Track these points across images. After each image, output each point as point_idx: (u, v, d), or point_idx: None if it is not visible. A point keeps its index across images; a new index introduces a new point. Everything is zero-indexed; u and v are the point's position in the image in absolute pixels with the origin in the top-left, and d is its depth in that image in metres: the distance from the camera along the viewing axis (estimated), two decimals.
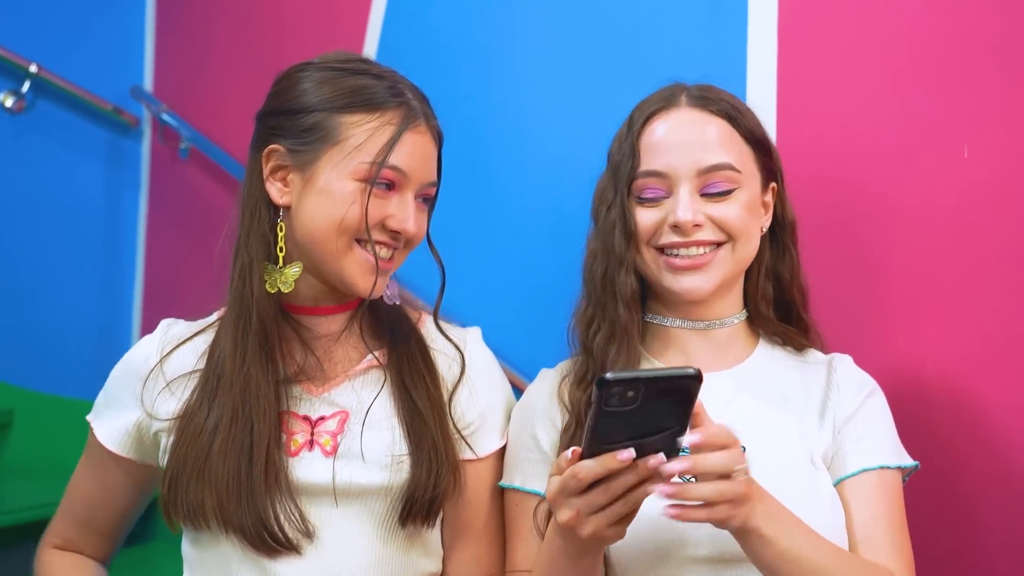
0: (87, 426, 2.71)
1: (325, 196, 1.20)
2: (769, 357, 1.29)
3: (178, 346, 1.30)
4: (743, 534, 1.01)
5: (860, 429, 1.19)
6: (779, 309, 1.30)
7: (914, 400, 1.32)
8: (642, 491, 0.94)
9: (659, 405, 0.90)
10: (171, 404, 1.26)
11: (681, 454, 0.95)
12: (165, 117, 2.53)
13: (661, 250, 1.24)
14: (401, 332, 1.31)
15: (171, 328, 1.34)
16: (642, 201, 1.24)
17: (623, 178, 1.25)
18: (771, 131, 1.34)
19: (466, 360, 1.32)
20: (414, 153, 1.21)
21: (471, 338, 1.36)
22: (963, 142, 1.32)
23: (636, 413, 0.89)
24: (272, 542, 1.17)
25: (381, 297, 1.28)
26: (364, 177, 1.19)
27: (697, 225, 1.20)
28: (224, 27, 2.48)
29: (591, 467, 0.92)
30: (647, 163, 1.24)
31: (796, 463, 1.18)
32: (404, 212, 1.21)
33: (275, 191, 1.23)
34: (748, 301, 1.30)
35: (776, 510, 1.03)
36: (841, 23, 1.45)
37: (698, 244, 1.22)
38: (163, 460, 1.26)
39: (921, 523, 1.20)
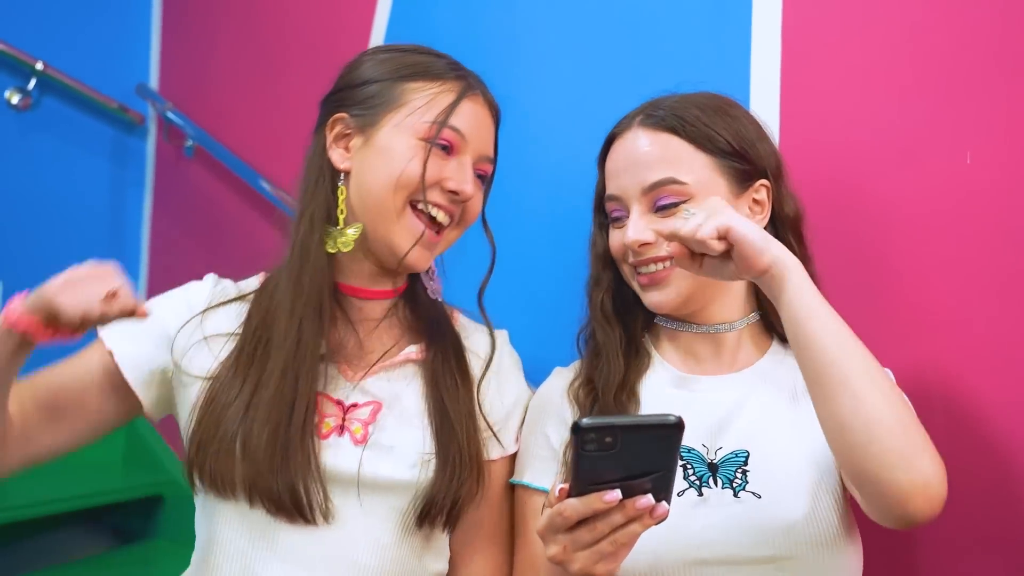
0: None
1: (385, 153, 1.22)
2: (780, 361, 1.30)
3: (224, 303, 1.29)
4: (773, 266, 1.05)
5: None
6: None
7: (914, 405, 1.32)
8: (631, 531, 0.94)
9: (642, 449, 0.91)
10: (205, 360, 1.24)
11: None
12: (170, 115, 2.53)
13: (632, 267, 1.29)
14: (440, 329, 1.33)
15: (219, 283, 1.34)
16: (613, 222, 1.31)
17: (597, 202, 1.35)
18: (774, 137, 1.34)
19: (496, 360, 1.34)
20: (473, 120, 1.25)
21: (501, 340, 1.38)
22: (966, 148, 1.31)
23: (619, 456, 0.90)
24: (295, 509, 1.16)
25: (426, 290, 1.31)
26: (425, 136, 1.22)
27: (646, 244, 1.25)
28: (230, 26, 2.48)
29: (576, 506, 0.93)
30: (608, 187, 1.31)
31: (809, 456, 1.18)
32: (462, 174, 1.23)
33: (337, 156, 1.26)
34: (762, 302, 1.31)
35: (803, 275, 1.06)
36: (845, 30, 1.45)
37: (656, 260, 1.26)
38: (182, 414, 1.24)
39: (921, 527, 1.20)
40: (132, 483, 2.49)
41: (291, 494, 1.15)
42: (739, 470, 1.17)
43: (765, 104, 1.50)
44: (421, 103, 1.23)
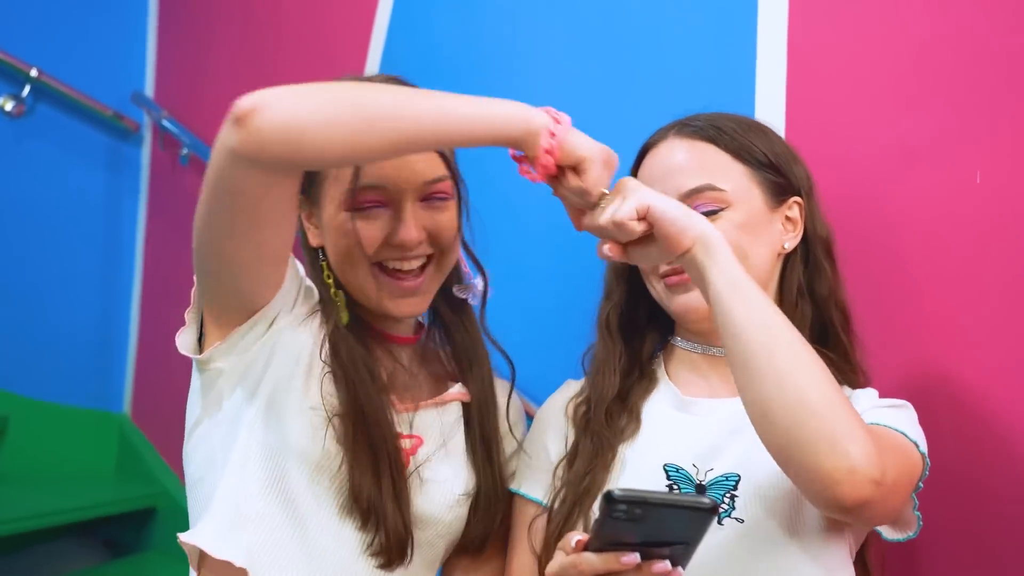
0: (83, 434, 2.67)
1: (331, 231, 1.20)
2: None
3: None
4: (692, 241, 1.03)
5: (882, 410, 1.15)
6: (818, 330, 1.26)
7: (920, 412, 1.30)
8: None
9: (670, 524, 0.91)
10: (304, 338, 1.20)
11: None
12: (165, 123, 2.52)
13: (660, 276, 1.25)
14: (477, 369, 1.31)
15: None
16: None
17: None
18: None
19: (513, 403, 1.34)
20: (390, 162, 1.18)
21: (509, 388, 1.37)
22: (976, 167, 1.29)
23: (645, 525, 0.89)
24: (398, 554, 1.15)
25: (464, 300, 1.29)
26: (349, 206, 1.18)
27: None
28: (226, 34, 2.47)
29: (593, 562, 0.93)
30: None
31: (788, 490, 1.12)
32: (400, 224, 1.18)
33: (311, 235, 1.25)
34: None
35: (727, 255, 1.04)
36: (851, 44, 1.43)
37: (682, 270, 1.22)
38: (252, 370, 1.18)
39: (939, 538, 1.18)
40: (124, 495, 2.49)
41: (400, 540, 1.15)
42: (727, 494, 1.14)
43: (770, 119, 1.47)
44: (342, 170, 1.19)
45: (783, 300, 1.27)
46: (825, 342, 1.26)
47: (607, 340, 1.31)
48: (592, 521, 0.95)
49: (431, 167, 1.20)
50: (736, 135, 1.25)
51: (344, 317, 1.21)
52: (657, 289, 1.26)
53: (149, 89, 2.67)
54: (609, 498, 0.87)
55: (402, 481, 1.17)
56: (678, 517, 0.90)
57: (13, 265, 2.55)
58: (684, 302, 1.22)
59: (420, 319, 1.34)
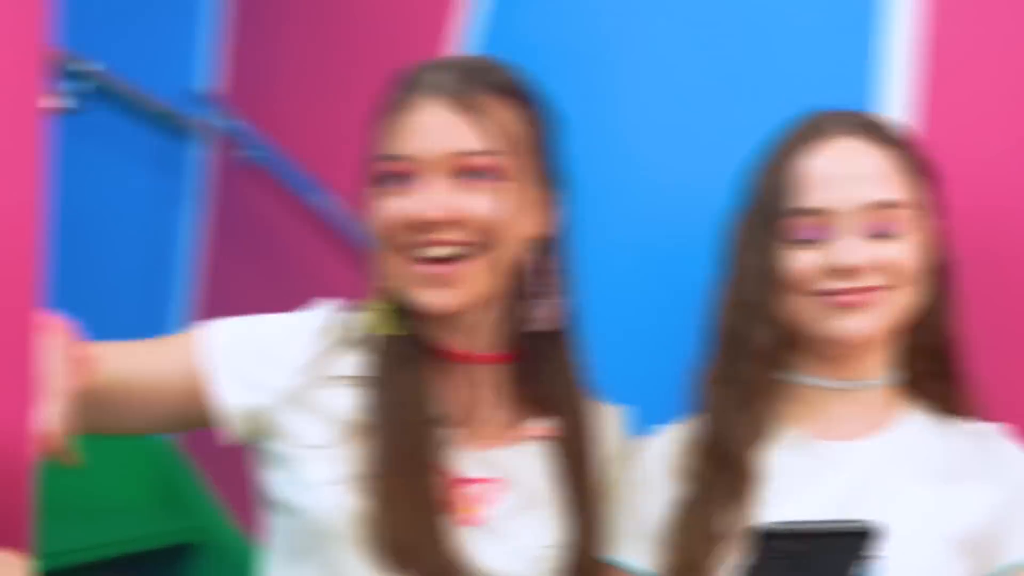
0: (125, 463, 2.51)
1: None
2: (917, 424, 1.21)
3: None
4: None
5: None
6: (937, 364, 1.23)
7: None
8: None
9: (826, 556, 0.90)
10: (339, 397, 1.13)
11: None
12: (229, 124, 2.44)
13: (817, 295, 1.16)
14: (572, 404, 1.20)
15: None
16: (795, 243, 1.17)
17: (768, 217, 1.19)
18: None
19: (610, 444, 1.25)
20: (418, 129, 1.10)
21: (615, 420, 1.27)
22: None
23: (801, 563, 0.89)
24: None
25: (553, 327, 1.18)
26: (374, 180, 1.14)
27: (860, 269, 1.15)
28: (294, 27, 2.35)
29: None
30: (800, 200, 1.17)
31: (950, 540, 1.11)
32: (423, 198, 1.08)
33: None
34: (905, 357, 1.22)
35: None
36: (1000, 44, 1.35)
37: (861, 290, 1.15)
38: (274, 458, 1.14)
39: None
40: (165, 528, 2.42)
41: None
42: None
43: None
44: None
45: (910, 332, 1.21)
46: (946, 376, 1.22)
47: (765, 369, 1.20)
48: (743, 570, 0.91)
49: (460, 137, 1.10)
50: (916, 147, 1.19)
51: (380, 326, 1.14)
52: (806, 307, 1.16)
53: (212, 87, 2.57)
54: (769, 535, 0.87)
55: (442, 530, 1.07)
56: (836, 547, 0.90)
57: (71, 274, 2.46)
58: (853, 327, 1.14)
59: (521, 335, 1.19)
